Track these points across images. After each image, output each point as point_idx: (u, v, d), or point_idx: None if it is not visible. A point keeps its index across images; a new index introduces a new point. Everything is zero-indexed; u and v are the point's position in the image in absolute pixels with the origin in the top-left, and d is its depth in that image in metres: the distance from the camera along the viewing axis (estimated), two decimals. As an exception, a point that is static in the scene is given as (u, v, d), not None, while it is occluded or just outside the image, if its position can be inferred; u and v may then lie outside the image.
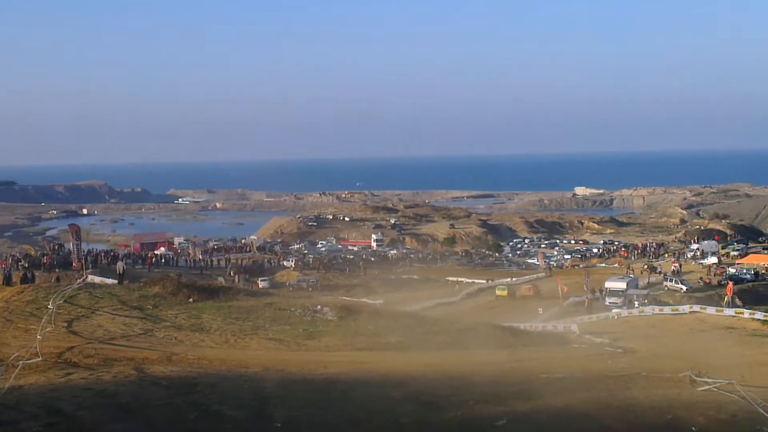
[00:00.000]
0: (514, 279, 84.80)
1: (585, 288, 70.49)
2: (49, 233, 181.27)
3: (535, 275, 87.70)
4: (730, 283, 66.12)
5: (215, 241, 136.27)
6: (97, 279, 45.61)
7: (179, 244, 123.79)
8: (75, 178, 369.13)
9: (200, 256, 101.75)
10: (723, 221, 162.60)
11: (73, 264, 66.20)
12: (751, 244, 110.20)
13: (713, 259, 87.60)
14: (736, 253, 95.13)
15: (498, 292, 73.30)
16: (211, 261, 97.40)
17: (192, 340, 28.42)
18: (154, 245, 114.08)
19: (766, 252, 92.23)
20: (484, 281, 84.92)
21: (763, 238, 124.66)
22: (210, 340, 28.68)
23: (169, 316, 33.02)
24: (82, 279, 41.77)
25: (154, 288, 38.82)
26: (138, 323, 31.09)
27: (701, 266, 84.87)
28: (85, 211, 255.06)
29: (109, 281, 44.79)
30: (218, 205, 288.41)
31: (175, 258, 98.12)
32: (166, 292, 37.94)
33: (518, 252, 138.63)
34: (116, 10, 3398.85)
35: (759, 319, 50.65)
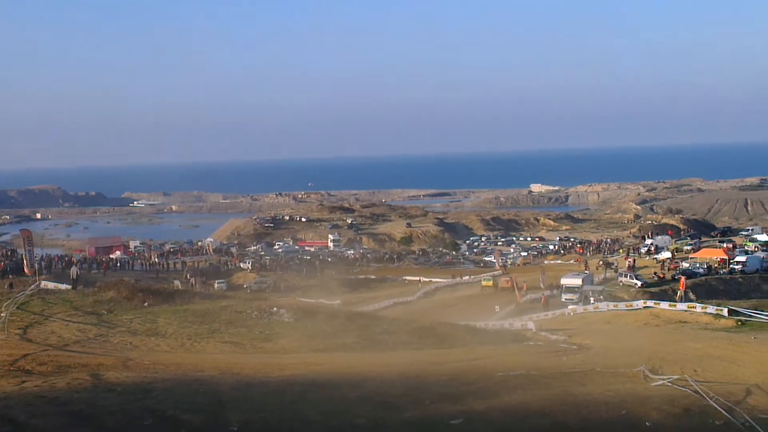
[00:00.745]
0: (472, 277, 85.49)
1: (541, 285, 70.96)
2: (1, 239, 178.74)
3: (490, 274, 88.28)
4: (683, 278, 67.14)
5: (171, 243, 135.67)
6: (51, 285, 44.96)
7: (135, 247, 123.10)
8: (28, 182, 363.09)
9: (156, 260, 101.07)
10: (676, 216, 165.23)
11: (25, 270, 65.28)
12: (703, 239, 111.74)
13: (667, 254, 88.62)
14: (689, 247, 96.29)
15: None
16: (168, 264, 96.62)
17: (147, 345, 28.18)
18: (110, 249, 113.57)
19: (719, 246, 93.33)
20: (450, 278, 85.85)
21: (716, 232, 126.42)
22: (165, 345, 28.45)
23: (124, 320, 32.70)
24: (35, 285, 41.19)
25: (108, 293, 38.44)
26: (92, 329, 30.71)
27: (655, 261, 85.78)
28: (38, 216, 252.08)
29: (63, 287, 44.24)
30: (174, 207, 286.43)
31: (130, 262, 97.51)
32: (120, 296, 37.58)
33: (475, 250, 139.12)
34: (66, 14, 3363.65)
35: (711, 313, 51.45)
